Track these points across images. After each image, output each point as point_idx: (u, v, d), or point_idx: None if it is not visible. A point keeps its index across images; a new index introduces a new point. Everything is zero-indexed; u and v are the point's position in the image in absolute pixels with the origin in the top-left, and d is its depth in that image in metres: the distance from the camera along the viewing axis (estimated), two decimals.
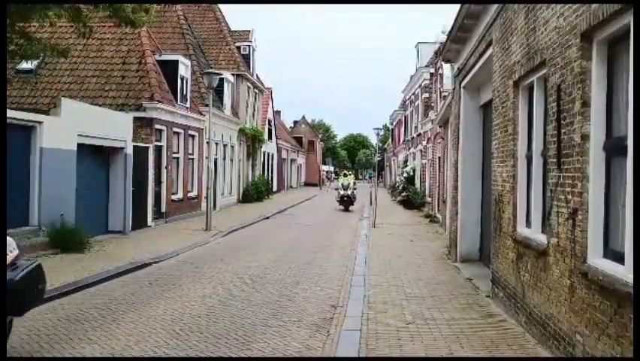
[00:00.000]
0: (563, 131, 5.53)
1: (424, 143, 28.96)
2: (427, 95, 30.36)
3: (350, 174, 33.62)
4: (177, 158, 21.61)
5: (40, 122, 12.74)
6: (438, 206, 22.54)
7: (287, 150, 55.86)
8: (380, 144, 57.41)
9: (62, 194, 13.36)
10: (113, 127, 16.00)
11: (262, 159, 39.29)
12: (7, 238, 5.48)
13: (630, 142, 4.25)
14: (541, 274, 6.18)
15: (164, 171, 19.99)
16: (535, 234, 6.73)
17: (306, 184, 69.29)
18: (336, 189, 32.87)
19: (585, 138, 5.02)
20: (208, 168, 19.99)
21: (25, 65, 18.20)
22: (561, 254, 5.54)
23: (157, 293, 9.08)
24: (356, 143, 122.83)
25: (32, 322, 7.21)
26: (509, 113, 7.79)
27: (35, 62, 18.46)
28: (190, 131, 22.70)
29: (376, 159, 36.00)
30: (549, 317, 5.90)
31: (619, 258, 4.52)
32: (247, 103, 33.92)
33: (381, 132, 32.57)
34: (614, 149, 4.78)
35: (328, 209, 30.28)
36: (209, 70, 22.11)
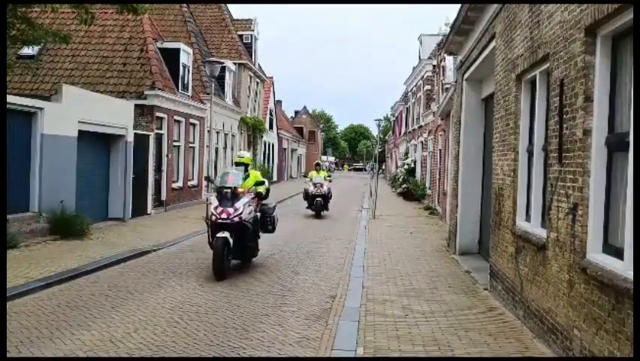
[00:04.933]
0: (564, 125, 5.51)
1: (425, 135, 28.92)
2: (429, 87, 30.27)
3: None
4: (178, 146, 21.59)
5: (41, 109, 12.71)
6: (438, 198, 22.56)
7: (288, 140, 55.81)
8: (381, 136, 57.26)
9: (63, 181, 13.36)
10: (114, 114, 15.97)
11: (263, 148, 39.27)
12: None
13: (632, 138, 4.25)
14: (540, 269, 6.19)
15: (164, 160, 19.97)
16: (534, 228, 6.73)
17: (307, 175, 69.23)
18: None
19: (587, 133, 5.01)
20: (209, 156, 19.98)
21: (27, 50, 18.12)
22: (560, 249, 5.55)
23: (156, 281, 9.10)
24: (357, 134, 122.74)
25: (32, 307, 7.23)
26: (511, 107, 7.77)
27: (37, 48, 18.39)
28: (191, 120, 22.65)
29: (377, 150, 35.89)
30: (547, 311, 5.92)
31: (618, 253, 4.53)
32: (249, 92, 33.86)
33: (383, 124, 30.48)
34: (615, 144, 4.77)
35: None
36: (211, 58, 22.03)
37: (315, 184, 20.52)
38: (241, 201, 9.65)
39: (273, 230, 10.97)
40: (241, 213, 9.48)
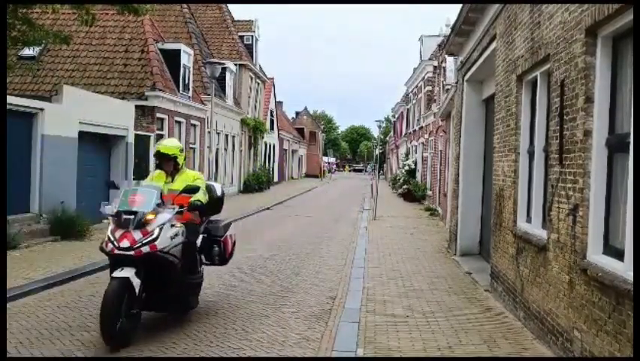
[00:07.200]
0: (565, 126, 5.51)
1: (426, 136, 28.92)
2: (429, 88, 30.29)
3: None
4: None
5: (41, 109, 12.71)
6: (439, 199, 22.54)
7: (288, 141, 55.81)
8: (382, 137, 57.34)
9: (63, 181, 13.35)
10: (115, 115, 15.96)
11: (263, 149, 39.28)
12: None
13: (632, 139, 4.24)
14: (541, 270, 6.18)
15: None
16: (535, 229, 6.72)
17: (307, 175, 69.32)
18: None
19: (588, 134, 5.00)
20: (209, 158, 19.98)
21: (28, 51, 18.12)
22: (561, 250, 5.54)
23: None
24: (358, 135, 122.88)
25: (32, 308, 7.23)
26: (512, 108, 7.77)
27: (37, 49, 18.40)
28: (192, 121, 22.67)
29: (378, 151, 35.87)
30: (547, 312, 5.91)
31: (618, 254, 4.52)
32: (249, 93, 33.87)
33: (383, 125, 30.46)
34: (616, 145, 4.76)
35: (328, 201, 30.30)
36: (212, 59, 22.06)
37: (122, 218, 6.11)
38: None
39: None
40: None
